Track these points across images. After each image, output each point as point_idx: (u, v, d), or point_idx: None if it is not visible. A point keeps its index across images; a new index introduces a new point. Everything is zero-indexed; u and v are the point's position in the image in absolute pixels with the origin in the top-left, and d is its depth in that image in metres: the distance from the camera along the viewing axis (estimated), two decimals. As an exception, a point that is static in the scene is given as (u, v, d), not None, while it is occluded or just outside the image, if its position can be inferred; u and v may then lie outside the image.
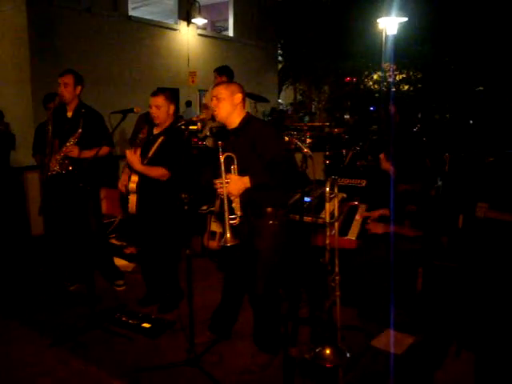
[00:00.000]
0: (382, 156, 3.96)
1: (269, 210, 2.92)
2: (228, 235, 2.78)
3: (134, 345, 3.38)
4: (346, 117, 14.57)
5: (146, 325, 3.60)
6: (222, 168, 2.82)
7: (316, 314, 3.59)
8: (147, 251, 3.94)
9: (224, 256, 3.22)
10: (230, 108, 2.95)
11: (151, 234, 3.80)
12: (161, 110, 3.63)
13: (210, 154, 3.18)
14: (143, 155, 3.61)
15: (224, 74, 5.50)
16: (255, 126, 2.99)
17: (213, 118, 3.15)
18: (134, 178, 3.66)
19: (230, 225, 2.81)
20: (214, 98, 2.96)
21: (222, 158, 2.81)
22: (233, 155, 2.82)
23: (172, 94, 3.75)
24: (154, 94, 3.68)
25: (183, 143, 3.77)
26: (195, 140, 6.03)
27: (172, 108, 3.69)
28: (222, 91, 2.94)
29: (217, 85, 3.03)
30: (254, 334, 3.22)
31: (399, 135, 4.26)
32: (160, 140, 3.66)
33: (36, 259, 4.94)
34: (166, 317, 3.73)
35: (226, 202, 2.82)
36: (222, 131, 3.18)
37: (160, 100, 3.63)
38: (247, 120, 3.01)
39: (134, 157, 3.56)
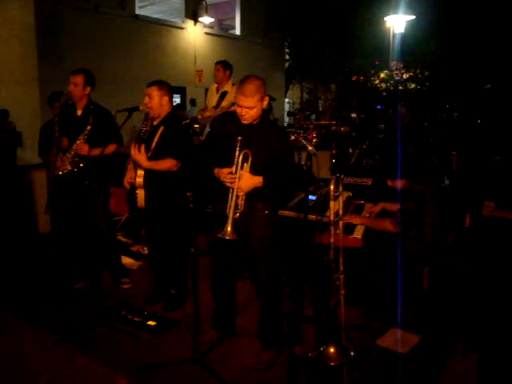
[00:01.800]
0: (389, 183, 3.92)
1: (258, 203, 2.99)
2: (229, 229, 2.79)
3: (139, 342, 3.38)
4: (352, 115, 14.53)
5: (151, 323, 3.60)
6: (239, 164, 2.83)
7: (322, 313, 3.58)
8: (157, 247, 3.94)
9: (216, 247, 3.20)
10: (259, 113, 2.94)
11: (161, 228, 3.81)
12: (153, 100, 3.63)
13: (212, 141, 3.16)
14: (147, 148, 3.61)
15: (228, 68, 5.52)
16: (274, 129, 3.03)
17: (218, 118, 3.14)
18: (141, 173, 3.66)
19: (234, 219, 2.82)
20: (246, 109, 2.86)
21: (241, 154, 2.82)
22: (249, 153, 2.84)
23: (167, 87, 3.72)
24: (149, 84, 3.70)
25: (184, 130, 3.77)
26: (200, 139, 6.01)
27: (165, 99, 3.67)
28: (255, 102, 2.85)
29: (249, 94, 2.84)
30: (259, 329, 3.22)
31: (409, 136, 4.24)
32: (160, 130, 3.66)
33: (43, 257, 4.96)
34: (171, 315, 3.73)
35: (234, 196, 2.84)
36: None
37: (152, 90, 3.64)
38: (265, 120, 3.03)
39: (139, 155, 3.56)
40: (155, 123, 3.73)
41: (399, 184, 3.75)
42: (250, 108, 2.87)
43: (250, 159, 2.86)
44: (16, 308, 3.92)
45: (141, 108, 3.68)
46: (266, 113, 3.07)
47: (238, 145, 2.83)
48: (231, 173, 2.86)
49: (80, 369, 3.05)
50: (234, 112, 2.99)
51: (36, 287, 4.35)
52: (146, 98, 3.65)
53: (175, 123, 3.63)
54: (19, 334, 3.52)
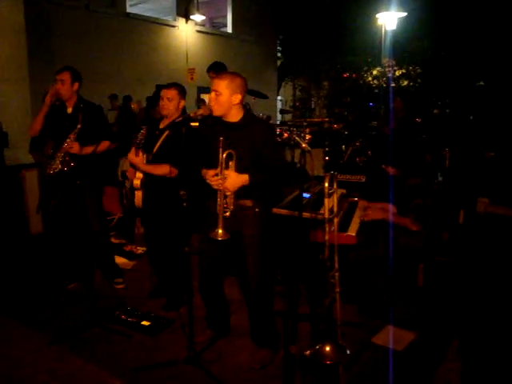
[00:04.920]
0: (383, 166, 3.93)
1: (248, 202, 2.96)
2: (220, 230, 2.77)
3: (133, 343, 3.36)
4: (345, 113, 14.53)
5: (145, 323, 3.59)
6: (223, 164, 2.81)
7: (318, 311, 3.57)
8: (155, 246, 3.93)
9: (206, 245, 3.16)
10: (226, 106, 2.92)
11: (158, 228, 3.81)
12: (171, 102, 3.65)
13: (197, 142, 3.17)
14: (149, 150, 3.64)
15: (221, 69, 5.48)
16: (257, 126, 2.99)
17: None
18: (139, 175, 3.70)
19: (223, 219, 2.80)
20: (214, 92, 2.92)
21: (224, 154, 2.79)
22: (233, 152, 2.82)
23: (184, 91, 3.76)
24: (168, 86, 3.72)
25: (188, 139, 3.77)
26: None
27: (182, 103, 3.72)
28: (223, 89, 2.89)
29: (220, 78, 2.95)
30: (251, 330, 3.20)
31: (402, 130, 4.25)
32: (165, 134, 3.66)
33: (35, 258, 4.92)
34: (166, 315, 3.71)
35: (221, 196, 2.83)
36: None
37: (172, 93, 3.66)
38: (248, 118, 3.02)
39: (136, 159, 3.61)
40: (162, 126, 3.73)
41: (392, 170, 3.76)
42: (216, 92, 2.89)
43: (234, 158, 2.84)
44: (9, 309, 3.88)
45: (132, 107, 3.68)
46: (248, 111, 3.05)
47: (221, 145, 2.81)
48: (217, 174, 2.84)
49: (73, 369, 3.03)
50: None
51: (29, 288, 4.31)
52: (165, 100, 3.65)
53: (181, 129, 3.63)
54: (12, 336, 3.49)
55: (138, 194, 3.71)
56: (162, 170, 3.59)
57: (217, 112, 2.95)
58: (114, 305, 3.89)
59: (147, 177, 3.67)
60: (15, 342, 3.40)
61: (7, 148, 8.83)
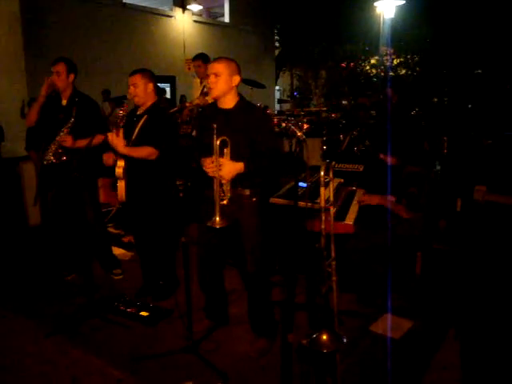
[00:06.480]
0: (381, 156, 3.93)
1: (246, 190, 2.96)
2: (217, 218, 2.75)
3: (132, 333, 3.37)
4: (343, 102, 14.49)
5: (144, 313, 3.59)
6: (217, 151, 2.78)
7: (315, 300, 3.58)
8: (142, 239, 3.91)
9: (204, 234, 3.16)
10: (226, 88, 2.92)
11: (144, 221, 3.75)
12: (138, 88, 3.58)
13: (198, 134, 3.17)
14: (127, 138, 3.52)
15: (208, 61, 5.48)
16: (252, 112, 2.98)
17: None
18: (121, 163, 3.57)
19: (221, 207, 2.80)
20: (213, 75, 2.90)
21: (217, 141, 2.76)
22: (227, 139, 2.80)
23: (150, 73, 3.68)
24: (131, 73, 3.64)
25: (168, 120, 3.72)
26: (187, 127, 5.95)
27: (150, 86, 3.63)
28: (222, 69, 2.89)
29: (217, 61, 2.95)
30: (249, 319, 3.21)
31: (397, 117, 4.24)
32: (143, 120, 3.61)
33: (33, 250, 4.93)
34: (164, 305, 3.72)
35: (217, 184, 2.80)
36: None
37: (136, 78, 3.59)
38: (243, 104, 3.00)
39: (116, 140, 3.41)
40: (139, 112, 3.68)
41: (390, 160, 3.76)
42: (215, 75, 2.89)
43: (228, 145, 2.82)
44: (8, 301, 3.89)
45: (128, 97, 3.64)
46: (243, 98, 3.05)
47: (215, 132, 2.78)
48: (213, 162, 2.81)
49: (73, 360, 3.04)
50: (215, 102, 3.02)
51: (27, 280, 4.32)
52: (131, 88, 3.59)
53: (159, 113, 3.59)
54: (11, 327, 3.50)
55: (121, 185, 3.59)
56: (143, 151, 3.49)
57: (216, 93, 2.93)
58: (112, 296, 3.90)
59: (130, 164, 3.56)
60: (14, 333, 3.41)
61: (3, 142, 8.82)
